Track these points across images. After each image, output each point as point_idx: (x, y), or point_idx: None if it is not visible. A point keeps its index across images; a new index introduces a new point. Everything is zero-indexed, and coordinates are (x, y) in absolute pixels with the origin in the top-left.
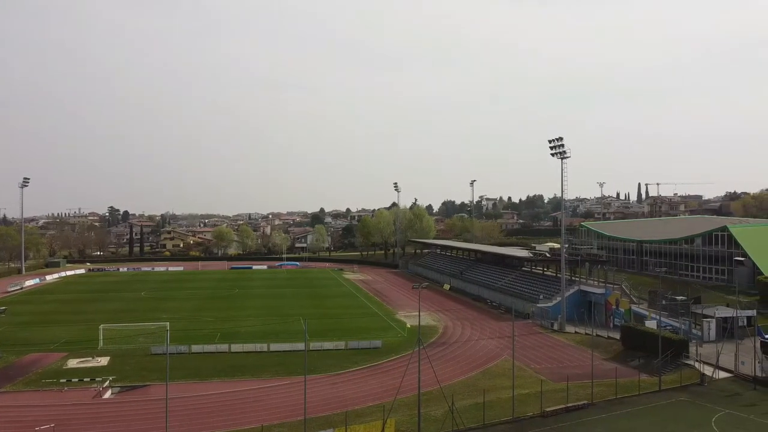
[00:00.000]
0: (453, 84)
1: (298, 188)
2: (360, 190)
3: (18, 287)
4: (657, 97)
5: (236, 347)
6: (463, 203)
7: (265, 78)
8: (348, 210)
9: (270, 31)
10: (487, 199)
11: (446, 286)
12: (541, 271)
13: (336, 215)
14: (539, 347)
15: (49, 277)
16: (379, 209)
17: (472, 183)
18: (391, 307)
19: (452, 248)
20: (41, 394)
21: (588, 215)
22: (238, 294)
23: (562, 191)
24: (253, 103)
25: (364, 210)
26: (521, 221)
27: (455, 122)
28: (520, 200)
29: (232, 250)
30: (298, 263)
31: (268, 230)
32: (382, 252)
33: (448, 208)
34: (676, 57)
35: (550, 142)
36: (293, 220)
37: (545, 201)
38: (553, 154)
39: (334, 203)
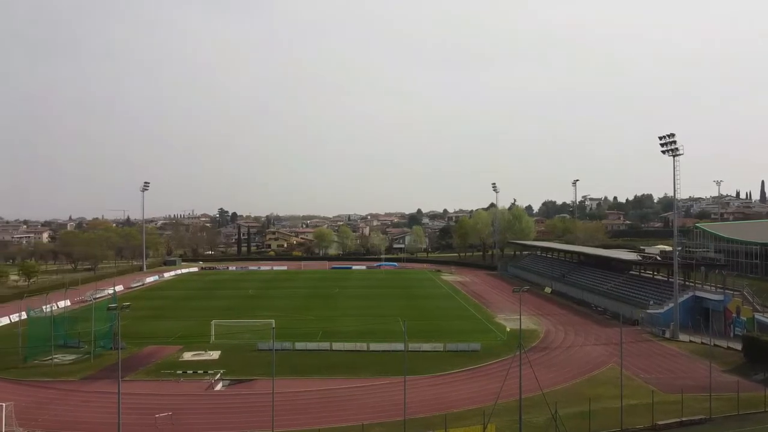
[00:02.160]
0: (549, 79)
1: (396, 189)
2: (457, 191)
3: (140, 283)
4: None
5: (337, 346)
6: (564, 203)
7: (362, 81)
8: (445, 211)
9: (362, 37)
10: (591, 199)
11: (547, 290)
12: (650, 275)
13: (433, 216)
14: (649, 356)
15: (166, 275)
16: (476, 210)
17: (574, 183)
18: (489, 310)
19: (553, 250)
20: (159, 384)
21: (703, 216)
22: (338, 293)
23: (674, 190)
24: (348, 105)
25: (461, 211)
26: (628, 222)
27: (552, 118)
28: (627, 200)
29: (332, 251)
30: (396, 264)
31: (366, 231)
32: (480, 253)
33: (549, 208)
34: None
35: (660, 138)
36: (391, 220)
37: (654, 200)
38: (663, 152)
39: (432, 204)
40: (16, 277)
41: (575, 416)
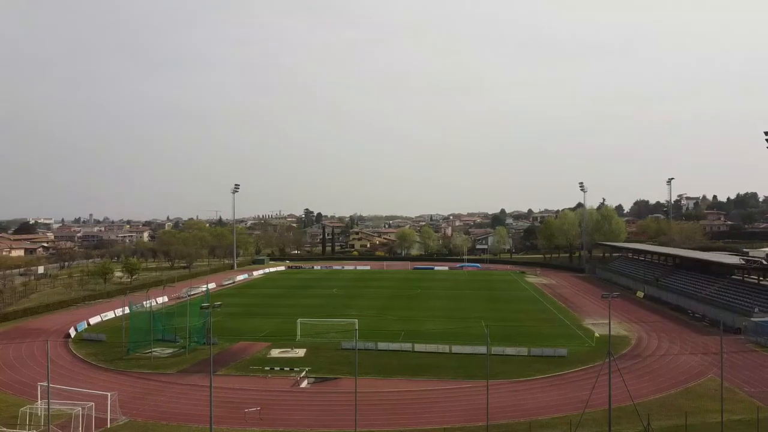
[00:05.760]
0: (640, 76)
1: (479, 189)
2: (542, 191)
3: (231, 281)
4: None
5: (419, 347)
6: (658, 203)
7: (441, 82)
8: (530, 211)
9: (444, 39)
10: (687, 198)
11: (639, 294)
12: (755, 280)
13: (517, 216)
14: (753, 367)
15: (255, 273)
16: (563, 210)
17: (669, 181)
18: (576, 314)
19: (646, 252)
20: (249, 379)
21: None
22: (420, 294)
23: None
24: (428, 106)
25: (546, 211)
26: (729, 223)
27: (646, 115)
28: (728, 199)
29: (414, 251)
30: (479, 265)
31: (448, 231)
32: (567, 255)
33: (641, 208)
34: None
35: (766, 134)
36: (473, 221)
37: (760, 199)
38: None
39: (516, 204)
40: (120, 274)
41: (670, 430)
